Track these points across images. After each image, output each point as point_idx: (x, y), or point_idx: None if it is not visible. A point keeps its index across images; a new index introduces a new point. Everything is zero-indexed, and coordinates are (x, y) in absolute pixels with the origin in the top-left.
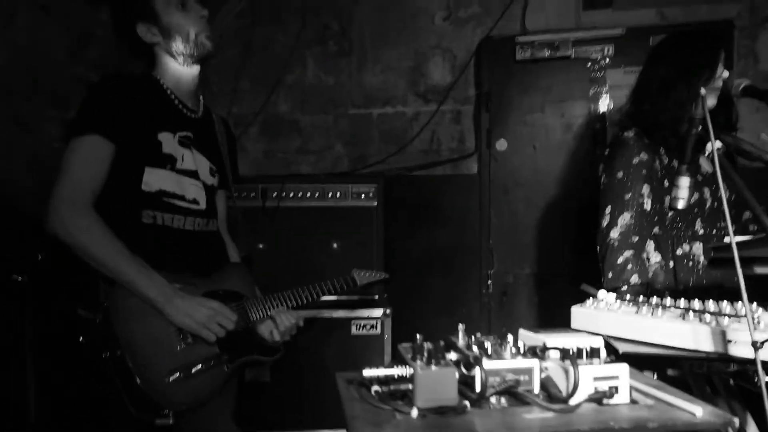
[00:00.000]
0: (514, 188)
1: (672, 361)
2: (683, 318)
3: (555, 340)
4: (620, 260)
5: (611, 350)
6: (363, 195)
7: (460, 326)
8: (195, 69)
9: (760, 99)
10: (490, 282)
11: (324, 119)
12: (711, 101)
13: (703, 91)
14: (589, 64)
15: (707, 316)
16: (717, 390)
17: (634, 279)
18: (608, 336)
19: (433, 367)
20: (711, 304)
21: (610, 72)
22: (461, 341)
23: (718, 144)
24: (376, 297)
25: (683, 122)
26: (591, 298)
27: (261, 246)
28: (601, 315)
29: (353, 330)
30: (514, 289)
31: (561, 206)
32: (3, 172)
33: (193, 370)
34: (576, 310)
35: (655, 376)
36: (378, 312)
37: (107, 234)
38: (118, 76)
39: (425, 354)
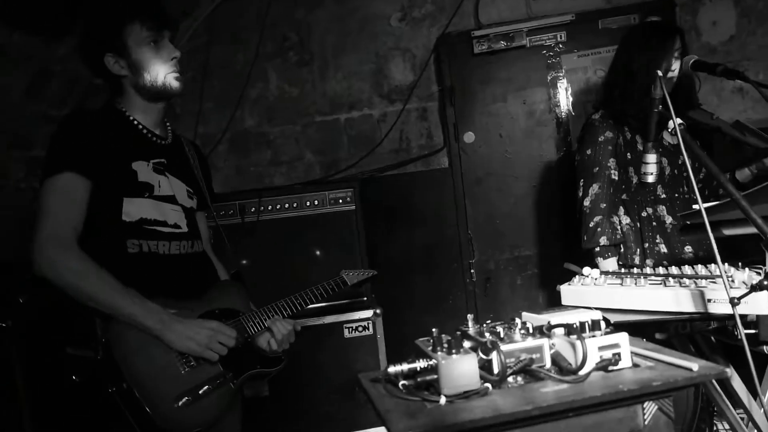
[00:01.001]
0: (486, 178)
1: (658, 325)
2: (664, 284)
3: (558, 317)
4: (591, 224)
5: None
6: (340, 200)
7: (469, 316)
8: (160, 104)
9: (709, 72)
10: (472, 271)
11: (292, 129)
12: (668, 87)
13: (659, 72)
14: (544, 51)
15: (686, 280)
16: (700, 348)
17: (603, 240)
18: (598, 309)
19: (455, 356)
20: (687, 269)
21: (565, 57)
22: (472, 330)
23: (679, 120)
24: (365, 298)
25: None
26: (576, 275)
27: (244, 262)
28: (589, 290)
29: (346, 333)
30: (496, 275)
31: (533, 190)
32: None
33: (201, 392)
34: (565, 288)
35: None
36: (368, 313)
37: (97, 270)
38: (83, 112)
39: (445, 345)
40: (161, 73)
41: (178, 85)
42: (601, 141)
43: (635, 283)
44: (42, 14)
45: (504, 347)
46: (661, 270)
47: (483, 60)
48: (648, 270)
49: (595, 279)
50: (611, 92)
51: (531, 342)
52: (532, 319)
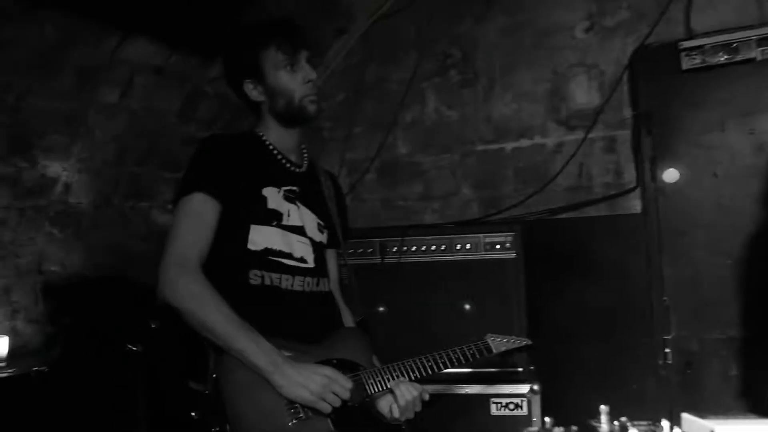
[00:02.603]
0: (692, 230)
1: None
2: None
3: (727, 428)
4: None
5: None
6: (498, 245)
7: (603, 408)
8: (295, 129)
9: None
10: (667, 350)
11: (449, 159)
12: None
13: None
14: None
15: None
16: None
17: None
18: None
19: None
20: None
21: None
22: (605, 427)
23: None
24: (521, 369)
25: None
26: None
27: (381, 309)
28: None
29: (493, 409)
30: (701, 360)
31: (758, 249)
32: (118, 239)
33: None
34: None
35: None
36: (523, 388)
37: (216, 299)
38: (221, 135)
39: None
40: (296, 97)
41: (314, 108)
42: None
43: None
44: (198, 35)
45: None
46: None
47: (693, 78)
48: None
49: None
50: None
51: None
52: (692, 423)
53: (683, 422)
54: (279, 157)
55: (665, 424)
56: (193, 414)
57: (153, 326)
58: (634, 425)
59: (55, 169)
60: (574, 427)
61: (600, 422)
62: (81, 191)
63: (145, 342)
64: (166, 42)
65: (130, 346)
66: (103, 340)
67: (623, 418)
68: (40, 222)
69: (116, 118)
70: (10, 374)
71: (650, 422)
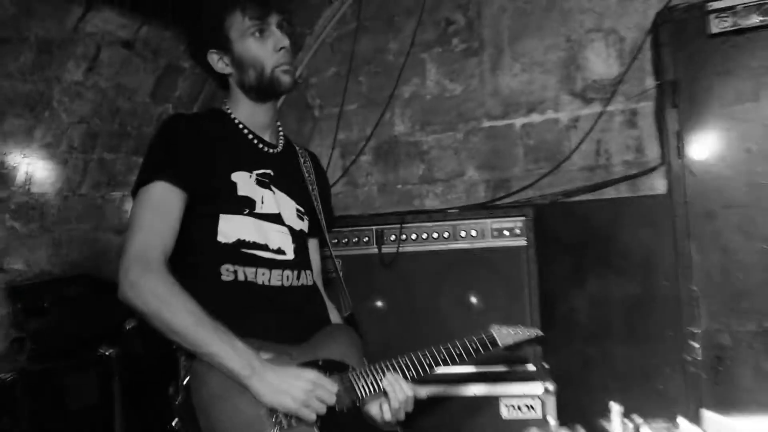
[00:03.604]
0: (723, 211)
1: None
2: None
3: (754, 426)
4: None
5: None
6: (507, 232)
7: (613, 406)
8: (268, 104)
9: None
10: (696, 345)
11: (452, 138)
12: None
13: None
14: None
15: None
16: None
17: None
18: None
19: None
20: None
21: None
22: (615, 426)
23: None
24: (534, 368)
25: None
26: None
27: (379, 304)
28: None
29: (504, 413)
30: (733, 355)
31: None
32: (88, 233)
33: None
34: None
35: None
36: (537, 388)
37: (183, 298)
38: (183, 115)
39: None
40: (268, 67)
41: (288, 79)
42: None
43: None
44: (171, 3)
45: None
46: None
47: (724, 43)
48: None
49: None
50: None
51: None
52: (714, 422)
53: (705, 421)
54: (250, 137)
55: (682, 422)
56: (173, 424)
57: (128, 327)
58: (648, 424)
59: (16, 156)
60: (579, 427)
61: (610, 421)
62: (45, 181)
63: (120, 345)
64: (134, 12)
65: (103, 351)
66: (73, 344)
67: (636, 417)
68: (0, 216)
69: (83, 98)
70: None
71: (666, 420)
